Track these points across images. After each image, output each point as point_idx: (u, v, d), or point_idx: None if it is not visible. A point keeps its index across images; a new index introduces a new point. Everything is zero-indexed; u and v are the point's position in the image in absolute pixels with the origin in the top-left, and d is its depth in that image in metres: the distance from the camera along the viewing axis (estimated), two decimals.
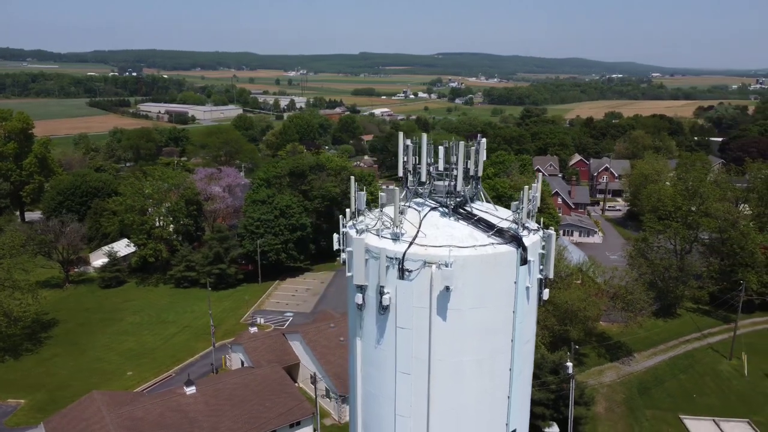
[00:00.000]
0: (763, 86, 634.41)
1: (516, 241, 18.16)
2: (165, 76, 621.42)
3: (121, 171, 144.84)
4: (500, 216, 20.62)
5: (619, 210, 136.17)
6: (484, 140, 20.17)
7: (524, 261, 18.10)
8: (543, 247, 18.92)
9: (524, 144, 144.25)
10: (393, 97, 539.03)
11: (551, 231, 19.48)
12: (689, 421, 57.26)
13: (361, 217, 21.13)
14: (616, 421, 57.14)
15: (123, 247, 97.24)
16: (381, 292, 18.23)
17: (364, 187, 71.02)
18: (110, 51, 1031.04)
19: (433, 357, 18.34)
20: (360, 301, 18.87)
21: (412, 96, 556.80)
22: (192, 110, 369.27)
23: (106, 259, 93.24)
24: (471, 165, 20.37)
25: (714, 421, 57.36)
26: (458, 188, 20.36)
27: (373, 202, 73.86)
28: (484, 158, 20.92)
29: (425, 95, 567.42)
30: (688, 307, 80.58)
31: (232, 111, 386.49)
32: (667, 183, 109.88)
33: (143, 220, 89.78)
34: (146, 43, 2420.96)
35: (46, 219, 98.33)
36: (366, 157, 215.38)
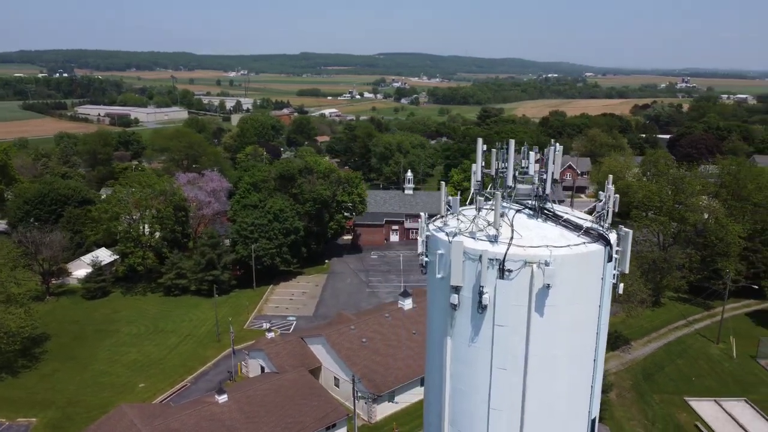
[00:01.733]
0: (688, 85, 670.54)
1: (603, 239, 19.92)
2: (99, 77, 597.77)
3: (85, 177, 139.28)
4: (578, 216, 22.43)
5: (586, 206, 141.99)
6: (558, 145, 21.52)
7: (610, 258, 19.89)
8: (619, 244, 20.57)
9: (491, 144, 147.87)
10: (339, 98, 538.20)
11: (629, 230, 21.26)
12: (694, 403, 61.20)
13: (442, 220, 22.29)
14: (629, 406, 60.38)
15: (105, 256, 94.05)
16: (480, 292, 19.45)
17: (353, 190, 71.61)
18: (37, 51, 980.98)
19: (530, 352, 19.69)
20: (455, 302, 20.04)
21: (358, 96, 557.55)
22: (134, 112, 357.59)
23: (88, 270, 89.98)
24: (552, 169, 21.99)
25: (716, 401, 61.52)
26: (547, 191, 22.02)
27: (361, 204, 75.18)
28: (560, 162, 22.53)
29: (371, 95, 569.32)
30: (669, 297, 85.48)
31: (177, 113, 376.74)
32: (632, 179, 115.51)
33: (131, 227, 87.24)
34: (76, 42, 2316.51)
35: (13, 229, 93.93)
36: (327, 158, 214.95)
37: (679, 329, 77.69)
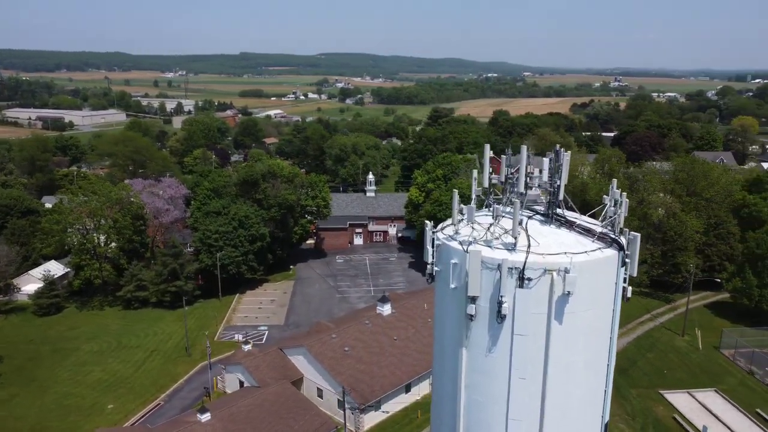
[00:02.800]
0: (621, 84, 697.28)
1: (617, 244, 19.99)
2: (26, 78, 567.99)
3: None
4: (585, 220, 22.44)
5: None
6: (564, 150, 21.28)
7: (623, 263, 19.96)
8: (628, 248, 20.70)
9: (447, 144, 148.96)
10: (283, 98, 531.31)
11: (637, 234, 21.40)
12: (669, 395, 63.01)
13: (452, 228, 21.73)
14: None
15: (56, 270, 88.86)
16: (500, 302, 19.11)
17: (317, 194, 70.23)
18: None
19: (550, 361, 19.52)
20: (472, 312, 19.59)
21: (302, 97, 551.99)
22: (68, 115, 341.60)
23: (38, 284, 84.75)
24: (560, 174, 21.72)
25: (688, 392, 63.55)
26: (560, 197, 21.82)
27: (325, 208, 73.93)
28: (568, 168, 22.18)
29: (315, 96, 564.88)
30: (632, 291, 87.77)
31: (114, 115, 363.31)
32: (586, 176, 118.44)
33: (86, 238, 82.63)
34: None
35: None
36: (278, 160, 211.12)
37: (645, 323, 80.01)
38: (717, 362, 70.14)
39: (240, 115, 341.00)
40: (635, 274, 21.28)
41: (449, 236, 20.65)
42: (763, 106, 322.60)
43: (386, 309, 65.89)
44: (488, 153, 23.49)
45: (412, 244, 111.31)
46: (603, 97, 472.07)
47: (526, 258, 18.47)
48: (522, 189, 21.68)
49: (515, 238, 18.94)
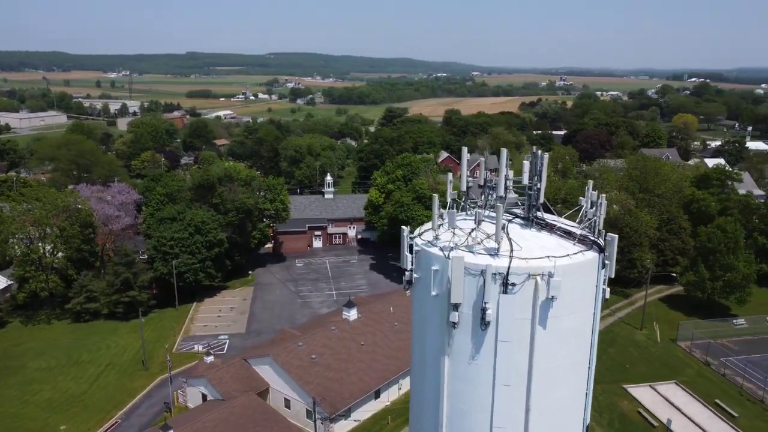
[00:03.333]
0: (566, 83, 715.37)
1: (597, 246, 19.97)
2: None
3: None
4: (566, 223, 22.31)
5: None
6: (542, 153, 21.05)
7: (603, 264, 19.96)
8: (606, 250, 20.69)
9: (403, 144, 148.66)
10: (233, 99, 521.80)
11: (614, 235, 21.37)
12: (632, 389, 64.17)
13: (428, 233, 21.16)
14: None
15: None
16: (483, 308, 18.76)
17: (275, 197, 68.67)
18: None
19: (534, 366, 19.34)
20: (455, 319, 19.18)
21: (252, 97, 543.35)
22: (4, 118, 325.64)
23: None
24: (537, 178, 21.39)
25: (650, 386, 64.86)
26: (541, 200, 21.56)
27: (284, 212, 72.48)
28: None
29: (266, 96, 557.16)
30: None
31: (54, 118, 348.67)
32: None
33: (30, 249, 78.21)
34: None
35: None
36: (231, 163, 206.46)
37: (605, 318, 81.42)
38: (675, 355, 71.95)
39: (188, 117, 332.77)
40: (614, 275, 21.06)
41: (429, 242, 19.95)
42: (700, 104, 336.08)
43: (352, 314, 64.72)
44: (466, 156, 22.83)
45: (372, 246, 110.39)
46: (550, 96, 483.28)
47: (510, 263, 18.05)
48: (502, 192, 21.25)
49: (498, 242, 18.46)
